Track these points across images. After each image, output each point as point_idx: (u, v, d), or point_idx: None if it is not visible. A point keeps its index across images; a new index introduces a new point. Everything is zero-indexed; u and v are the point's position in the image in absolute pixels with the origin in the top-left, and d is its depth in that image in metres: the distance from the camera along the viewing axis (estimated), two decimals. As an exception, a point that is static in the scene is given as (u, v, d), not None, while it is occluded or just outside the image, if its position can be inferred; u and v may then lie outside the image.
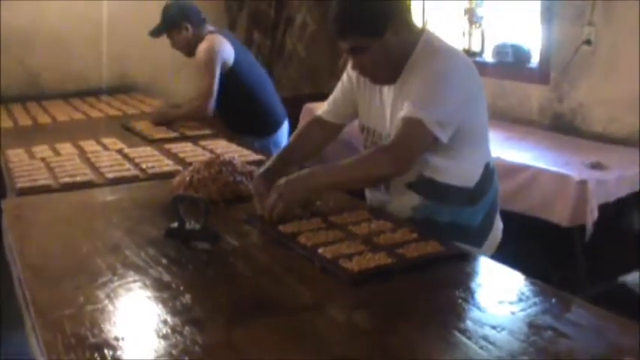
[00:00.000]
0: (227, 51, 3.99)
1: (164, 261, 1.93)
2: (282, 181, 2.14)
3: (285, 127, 4.27)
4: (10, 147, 3.53)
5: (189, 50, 4.06)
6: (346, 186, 2.27)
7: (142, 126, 4.00)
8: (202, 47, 3.96)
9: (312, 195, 2.21)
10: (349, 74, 2.41)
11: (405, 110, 2.10)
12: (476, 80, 2.21)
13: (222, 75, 3.96)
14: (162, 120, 4.08)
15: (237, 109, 4.07)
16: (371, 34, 2.12)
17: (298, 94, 5.91)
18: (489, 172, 2.28)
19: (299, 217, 2.13)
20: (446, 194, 2.20)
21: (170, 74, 5.86)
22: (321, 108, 2.57)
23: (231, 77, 4.00)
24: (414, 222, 2.17)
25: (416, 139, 2.10)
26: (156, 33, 4.09)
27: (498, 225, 2.37)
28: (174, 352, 1.44)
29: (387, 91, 2.26)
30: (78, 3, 5.61)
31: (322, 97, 2.60)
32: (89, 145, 3.51)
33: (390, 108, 2.24)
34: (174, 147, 3.41)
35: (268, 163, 2.39)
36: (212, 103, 3.93)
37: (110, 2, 5.36)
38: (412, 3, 5.64)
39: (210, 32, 4.06)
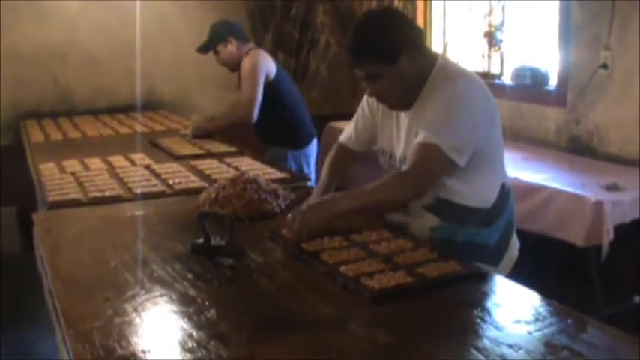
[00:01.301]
0: (270, 65, 4.15)
1: (190, 276, 1.98)
2: (304, 206, 2.19)
3: (315, 142, 4.39)
4: (42, 161, 3.62)
5: (233, 65, 4.22)
6: (367, 210, 2.29)
7: (169, 142, 4.08)
8: (247, 60, 4.12)
9: (335, 220, 2.23)
10: (368, 101, 2.46)
11: (421, 136, 2.14)
12: (490, 103, 2.24)
13: (264, 87, 4.09)
14: (203, 133, 4.23)
15: (275, 122, 4.20)
16: (384, 61, 2.16)
17: (321, 114, 5.97)
18: (505, 192, 2.30)
19: (321, 234, 2.17)
20: (463, 216, 2.23)
21: (195, 92, 5.96)
22: (343, 131, 2.62)
23: (272, 91, 4.13)
24: (432, 242, 2.20)
25: (433, 164, 2.14)
26: (203, 49, 4.26)
27: (515, 244, 2.39)
28: (199, 365, 1.49)
29: (404, 116, 2.30)
30: (109, 23, 5.73)
31: (344, 116, 2.67)
32: (118, 161, 3.59)
33: (405, 132, 2.28)
34: (200, 164, 3.47)
35: (317, 192, 2.46)
36: (256, 110, 4.06)
37: (140, 23, 5.46)
38: (432, 26, 5.70)
39: (252, 49, 4.22)
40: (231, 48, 4.17)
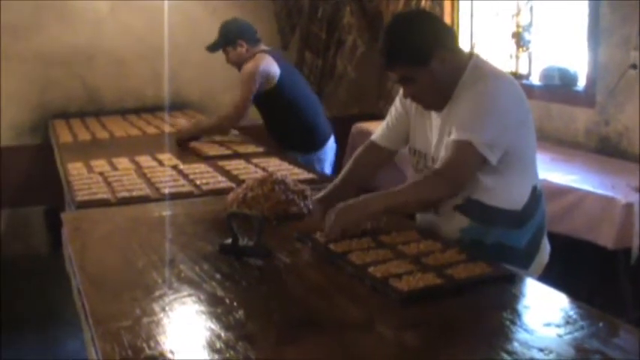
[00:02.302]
0: (272, 70, 4.09)
1: (218, 276, 1.98)
2: (340, 205, 2.19)
3: (330, 144, 4.34)
4: (70, 161, 3.64)
5: (241, 66, 4.17)
6: (401, 210, 2.30)
7: (196, 143, 4.09)
8: (248, 65, 4.08)
9: (369, 220, 2.24)
10: (401, 99, 2.45)
11: (454, 133, 2.14)
12: (524, 105, 2.23)
13: (265, 92, 4.08)
14: (188, 137, 4.18)
15: (282, 126, 4.21)
16: (416, 63, 2.17)
17: (348, 114, 5.96)
18: (537, 195, 2.29)
19: (349, 235, 2.16)
20: (494, 217, 2.22)
21: (223, 94, 5.98)
22: (372, 129, 2.60)
23: (275, 95, 4.11)
24: (462, 243, 2.19)
25: (466, 161, 2.14)
26: (212, 48, 4.23)
27: (545, 247, 2.37)
28: (227, 366, 1.49)
29: (436, 116, 2.29)
30: (137, 25, 5.76)
31: (371, 117, 2.64)
32: (145, 161, 3.60)
33: (437, 131, 2.28)
34: (228, 164, 3.47)
35: (325, 191, 2.47)
36: (239, 116, 4.08)
37: (168, 25, 5.48)
38: (460, 26, 5.67)
39: (262, 51, 4.17)
40: (240, 50, 4.14)
